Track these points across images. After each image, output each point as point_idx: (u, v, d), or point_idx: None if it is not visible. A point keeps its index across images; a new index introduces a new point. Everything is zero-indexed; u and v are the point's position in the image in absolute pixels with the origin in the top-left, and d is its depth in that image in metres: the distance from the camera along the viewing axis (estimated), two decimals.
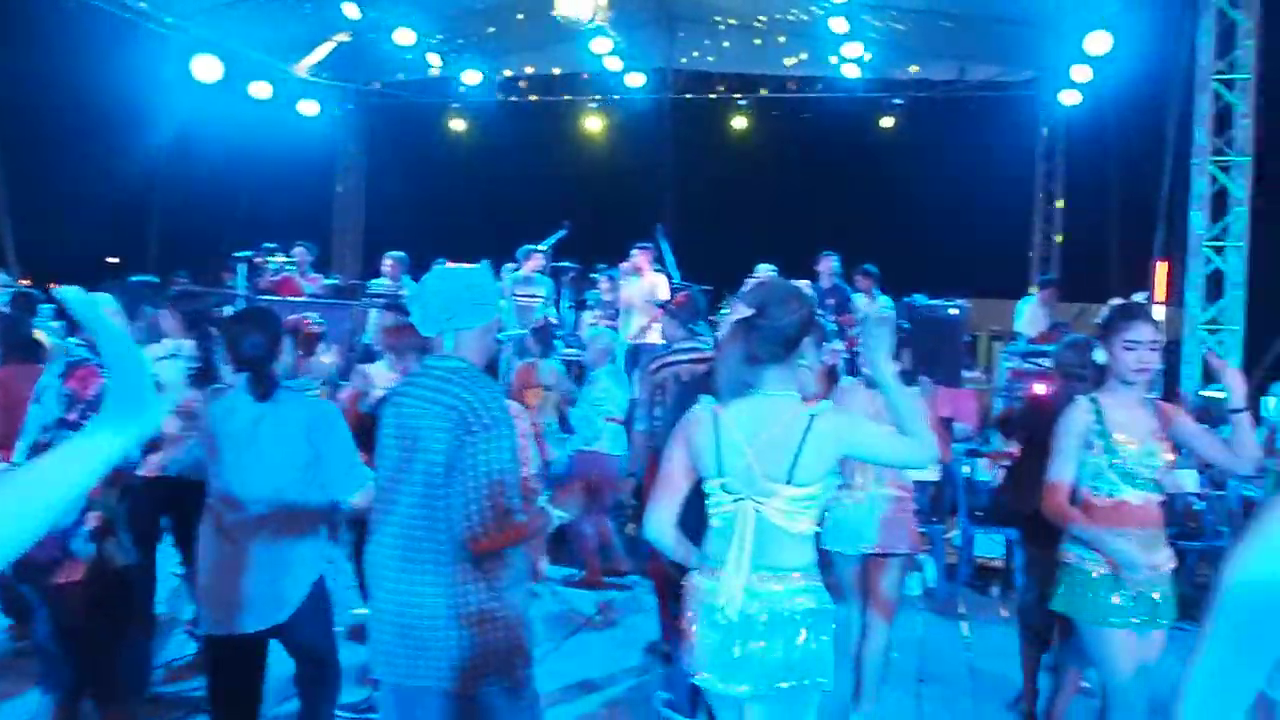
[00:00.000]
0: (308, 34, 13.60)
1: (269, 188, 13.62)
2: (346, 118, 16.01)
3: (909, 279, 10.19)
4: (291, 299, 9.56)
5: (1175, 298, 10.10)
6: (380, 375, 4.90)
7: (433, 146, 15.70)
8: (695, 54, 14.52)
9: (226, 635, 3.25)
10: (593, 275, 10.65)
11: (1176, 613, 3.34)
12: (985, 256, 13.77)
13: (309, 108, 14.46)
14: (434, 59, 13.95)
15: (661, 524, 2.66)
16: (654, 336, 9.39)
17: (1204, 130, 9.14)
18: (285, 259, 10.62)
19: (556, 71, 15.08)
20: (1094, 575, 3.27)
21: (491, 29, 13.79)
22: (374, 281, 10.57)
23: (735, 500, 2.54)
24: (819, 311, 9.42)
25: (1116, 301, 3.33)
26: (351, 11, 12.11)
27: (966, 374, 10.06)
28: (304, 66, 14.34)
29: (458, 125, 15.75)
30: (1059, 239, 14.24)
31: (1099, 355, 3.31)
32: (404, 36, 12.78)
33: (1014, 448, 5.06)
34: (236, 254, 10.08)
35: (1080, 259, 13.43)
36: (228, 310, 5.73)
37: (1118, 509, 3.27)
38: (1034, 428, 4.21)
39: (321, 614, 3.37)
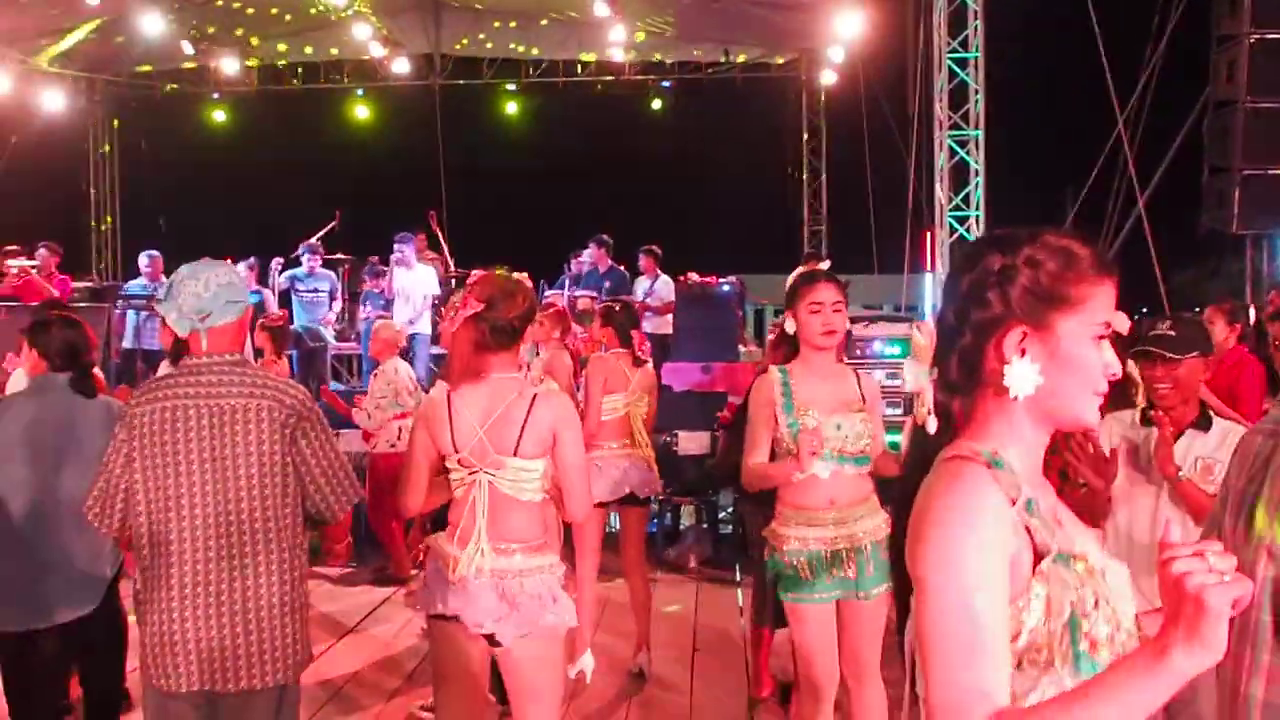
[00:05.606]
0: (49, 23, 12.55)
1: (11, 187, 12.58)
2: (95, 110, 14.97)
3: (682, 258, 10.46)
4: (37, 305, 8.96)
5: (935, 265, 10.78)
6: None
7: (191, 139, 14.89)
8: (462, 39, 14.25)
9: None
10: (367, 270, 10.51)
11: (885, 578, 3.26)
12: (755, 233, 14.30)
13: (53, 101, 13.43)
14: (188, 47, 13.16)
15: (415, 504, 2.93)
16: (424, 326, 9.32)
17: (941, 106, 9.77)
18: (28, 261, 9.97)
19: (319, 59, 14.53)
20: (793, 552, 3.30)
21: (248, 15, 13.11)
22: (132, 283, 10.13)
23: (470, 474, 2.78)
24: (595, 295, 9.53)
25: (800, 269, 3.41)
26: None
27: (742, 349, 10.40)
28: (46, 58, 13.25)
29: (217, 116, 15.03)
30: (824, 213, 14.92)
31: (789, 325, 3.33)
32: (153, 25, 12.00)
33: None
34: None
35: (844, 232, 14.12)
36: None
37: (808, 482, 3.23)
38: None
39: None
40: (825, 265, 3.41)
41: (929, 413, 1.39)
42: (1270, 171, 9.43)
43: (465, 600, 2.75)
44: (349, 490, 2.75)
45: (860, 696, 3.35)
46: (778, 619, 4.18)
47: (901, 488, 1.44)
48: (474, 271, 2.94)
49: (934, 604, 1.25)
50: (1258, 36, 9.24)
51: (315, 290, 10.04)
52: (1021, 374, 1.32)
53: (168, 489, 2.61)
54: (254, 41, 13.93)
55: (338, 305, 10.35)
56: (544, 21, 13.76)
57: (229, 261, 2.99)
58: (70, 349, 3.39)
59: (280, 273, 10.25)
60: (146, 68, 14.44)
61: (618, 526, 5.10)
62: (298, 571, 2.70)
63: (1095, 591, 1.31)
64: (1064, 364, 1.32)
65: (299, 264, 10.14)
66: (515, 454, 2.76)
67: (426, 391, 7.20)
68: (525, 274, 2.95)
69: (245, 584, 2.60)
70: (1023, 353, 1.32)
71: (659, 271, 10.04)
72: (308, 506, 2.70)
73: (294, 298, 10.03)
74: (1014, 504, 1.27)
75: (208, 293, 2.67)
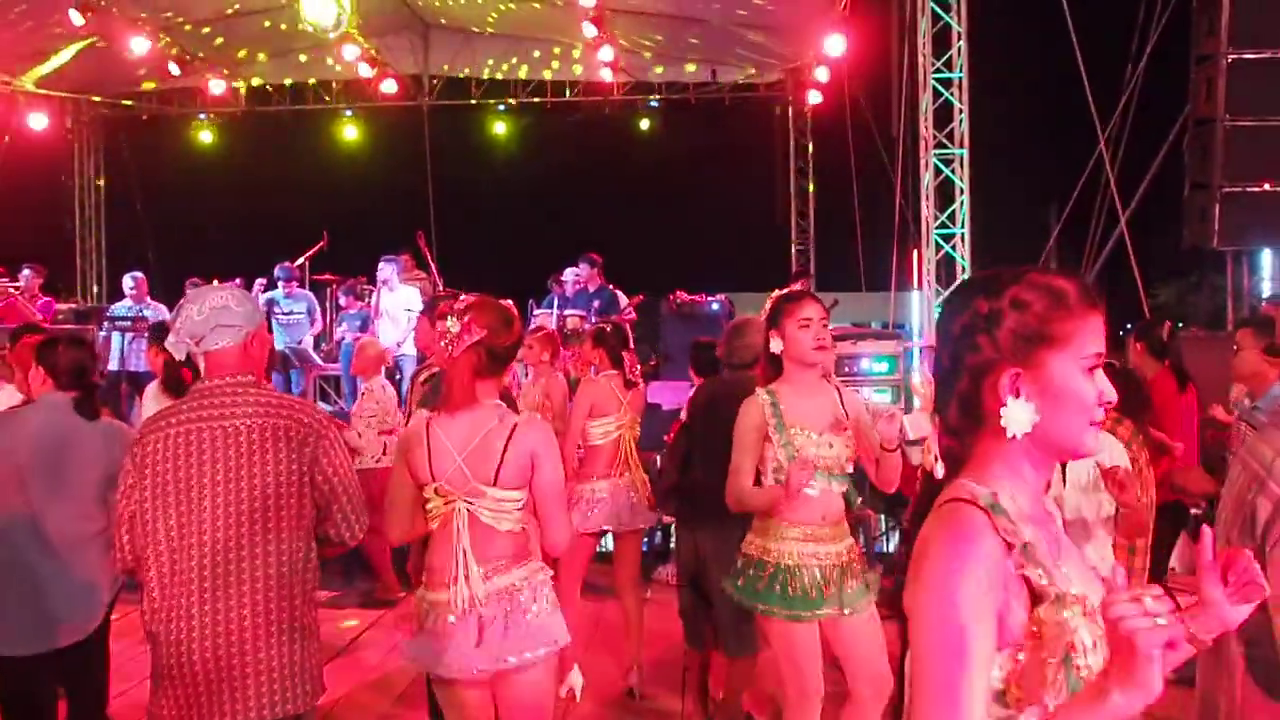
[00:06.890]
0: (34, 43, 12.55)
1: None
2: (81, 131, 14.98)
3: (670, 276, 10.50)
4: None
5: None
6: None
7: (179, 159, 14.89)
8: (450, 60, 14.32)
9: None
10: (344, 290, 10.55)
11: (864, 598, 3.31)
12: (743, 251, 14.37)
13: (39, 121, 13.44)
14: (175, 68, 13.17)
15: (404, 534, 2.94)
16: (410, 347, 9.33)
17: (926, 125, 9.86)
18: (10, 283, 9.98)
19: (307, 80, 14.57)
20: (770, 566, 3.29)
21: (236, 36, 13.14)
22: (117, 305, 10.10)
23: (448, 503, 2.75)
24: (583, 314, 9.54)
25: (778, 292, 3.40)
26: (75, 18, 11.25)
27: None
28: (31, 78, 13.25)
29: (204, 136, 15.04)
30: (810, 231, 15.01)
31: (775, 345, 3.30)
32: (140, 46, 12.02)
33: None
34: None
35: (830, 250, 14.21)
36: None
37: (802, 497, 3.21)
38: None
39: None
40: (799, 287, 3.42)
41: (936, 459, 1.43)
42: (1249, 189, 9.52)
43: (458, 653, 2.73)
44: (364, 513, 2.71)
45: (879, 709, 3.30)
46: (739, 643, 4.13)
47: (913, 533, 1.48)
48: (463, 295, 2.93)
49: (926, 640, 1.29)
50: (1235, 56, 9.33)
51: (291, 313, 10.09)
52: (1017, 414, 1.36)
53: (183, 516, 2.55)
54: (242, 61, 13.94)
55: (317, 326, 10.36)
56: (532, 43, 13.85)
57: (215, 282, 3.00)
58: (78, 368, 3.37)
59: (262, 293, 10.26)
60: (133, 88, 14.45)
61: (611, 546, 5.09)
62: (308, 596, 2.64)
63: (1090, 634, 1.34)
64: (1058, 399, 1.36)
65: (277, 286, 10.17)
66: (495, 484, 2.75)
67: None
68: (511, 301, 2.95)
69: (255, 609, 2.53)
70: (1017, 393, 1.36)
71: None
72: (327, 529, 2.65)
73: (273, 320, 10.02)
74: (1011, 549, 1.31)
75: (200, 316, 2.66)
